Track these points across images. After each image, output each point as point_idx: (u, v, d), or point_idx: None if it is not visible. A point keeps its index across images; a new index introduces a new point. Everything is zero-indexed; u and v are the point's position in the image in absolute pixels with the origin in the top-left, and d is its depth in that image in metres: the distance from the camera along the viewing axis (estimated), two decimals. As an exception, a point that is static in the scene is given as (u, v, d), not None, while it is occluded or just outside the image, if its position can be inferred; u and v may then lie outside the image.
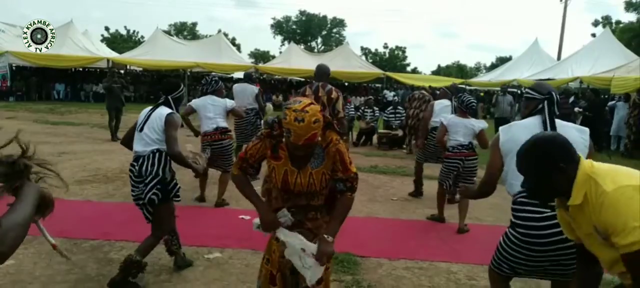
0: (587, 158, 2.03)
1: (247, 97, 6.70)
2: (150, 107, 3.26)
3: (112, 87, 10.60)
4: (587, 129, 2.29)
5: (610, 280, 3.52)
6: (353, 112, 11.14)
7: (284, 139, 2.02)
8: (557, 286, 2.32)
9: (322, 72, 4.82)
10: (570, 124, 2.34)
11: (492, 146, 2.37)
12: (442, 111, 5.50)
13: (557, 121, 2.27)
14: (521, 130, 2.20)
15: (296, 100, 1.95)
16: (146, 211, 3.10)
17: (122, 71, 23.94)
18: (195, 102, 5.19)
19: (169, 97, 3.25)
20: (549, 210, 1.99)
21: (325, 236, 2.04)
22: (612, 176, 1.49)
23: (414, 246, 4.14)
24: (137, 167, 3.06)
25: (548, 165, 1.57)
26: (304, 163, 2.05)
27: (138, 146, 3.12)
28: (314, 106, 1.92)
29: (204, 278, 3.25)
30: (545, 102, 2.28)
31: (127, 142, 3.34)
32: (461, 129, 4.53)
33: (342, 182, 2.09)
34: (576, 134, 2.21)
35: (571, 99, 14.59)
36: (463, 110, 4.62)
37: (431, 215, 4.95)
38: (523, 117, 2.41)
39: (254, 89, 6.87)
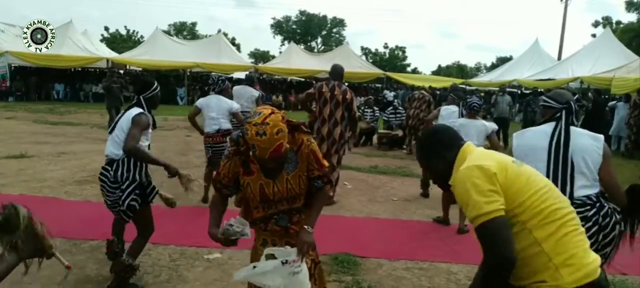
0: (603, 164, 2.18)
1: (246, 100, 6.53)
2: (124, 110, 3.14)
3: (111, 86, 10.60)
4: (601, 136, 2.31)
5: (612, 280, 3.52)
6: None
7: (251, 153, 1.95)
8: None
9: (337, 72, 5.33)
10: (585, 132, 2.34)
11: (504, 150, 2.43)
12: (450, 117, 5.52)
13: (574, 129, 2.30)
14: (534, 136, 2.32)
15: (256, 112, 1.86)
16: (125, 216, 2.99)
17: (121, 71, 23.95)
18: (199, 102, 5.19)
19: (141, 97, 3.09)
20: None
21: (306, 227, 2.05)
22: (473, 158, 1.52)
23: (414, 247, 4.13)
24: (111, 172, 2.93)
25: (430, 152, 1.69)
26: (278, 171, 2.01)
27: (110, 149, 2.98)
28: (274, 116, 1.83)
29: (203, 279, 3.24)
30: (563, 111, 2.33)
31: None
32: (473, 130, 4.52)
33: (319, 179, 2.09)
34: (590, 142, 2.26)
35: (575, 97, 14.56)
36: (469, 111, 4.69)
37: (437, 218, 4.91)
38: (540, 124, 2.45)
39: (254, 92, 6.72)
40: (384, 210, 5.28)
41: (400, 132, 10.65)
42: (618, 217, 2.18)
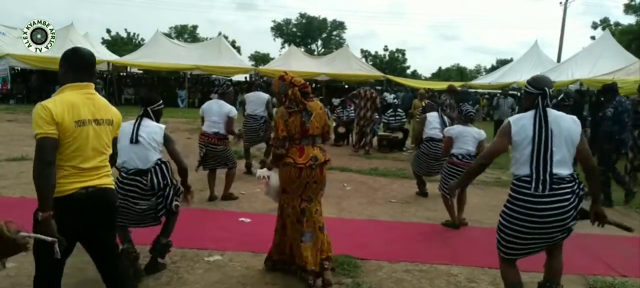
0: (580, 144, 2.56)
1: (260, 105, 6.89)
2: (134, 121, 3.32)
3: None
4: (577, 119, 2.61)
5: (612, 282, 3.52)
6: (353, 114, 11.12)
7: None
8: (550, 251, 2.71)
9: (369, 82, 10.90)
10: (566, 115, 2.60)
11: (501, 131, 2.68)
12: (435, 122, 5.89)
13: (554, 112, 2.56)
14: (526, 122, 2.56)
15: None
16: (159, 220, 3.33)
17: (122, 73, 23.98)
18: (202, 108, 5.46)
19: (149, 109, 3.40)
20: (546, 193, 2.44)
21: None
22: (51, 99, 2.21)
23: (414, 248, 4.13)
24: (146, 181, 3.16)
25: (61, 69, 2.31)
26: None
27: (136, 161, 3.19)
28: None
29: (204, 281, 3.24)
30: (539, 97, 2.56)
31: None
32: (469, 137, 4.74)
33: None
34: (573, 125, 2.55)
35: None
36: (463, 119, 4.87)
37: (446, 221, 4.87)
38: (526, 109, 2.66)
39: (264, 96, 6.99)
40: (384, 212, 5.28)
41: (400, 134, 10.68)
42: (585, 189, 2.60)
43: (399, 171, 7.75)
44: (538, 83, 2.62)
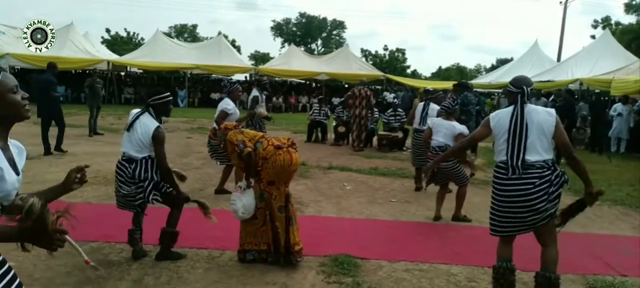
0: (557, 129, 2.80)
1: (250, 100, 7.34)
2: (139, 110, 3.47)
3: (94, 86, 10.72)
4: (553, 110, 2.92)
5: (612, 282, 3.52)
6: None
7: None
8: (538, 234, 2.91)
9: (363, 82, 10.72)
10: (541, 108, 2.93)
11: (483, 122, 3.10)
12: (420, 112, 6.38)
13: (530, 107, 2.87)
14: (504, 116, 2.91)
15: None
16: (138, 208, 3.42)
17: (122, 72, 23.98)
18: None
19: (149, 102, 3.43)
20: (514, 176, 2.76)
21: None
22: None
23: (414, 248, 4.13)
24: (130, 169, 3.31)
25: None
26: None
27: (130, 149, 3.35)
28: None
29: (204, 281, 3.24)
30: (519, 95, 2.87)
31: None
32: (442, 130, 5.00)
33: None
34: (546, 116, 2.82)
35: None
36: (447, 112, 5.16)
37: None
38: (508, 105, 3.00)
39: (253, 92, 7.14)
40: (384, 212, 5.28)
41: (400, 134, 10.67)
42: (565, 177, 2.80)
43: (399, 170, 7.75)
44: (518, 83, 2.94)
